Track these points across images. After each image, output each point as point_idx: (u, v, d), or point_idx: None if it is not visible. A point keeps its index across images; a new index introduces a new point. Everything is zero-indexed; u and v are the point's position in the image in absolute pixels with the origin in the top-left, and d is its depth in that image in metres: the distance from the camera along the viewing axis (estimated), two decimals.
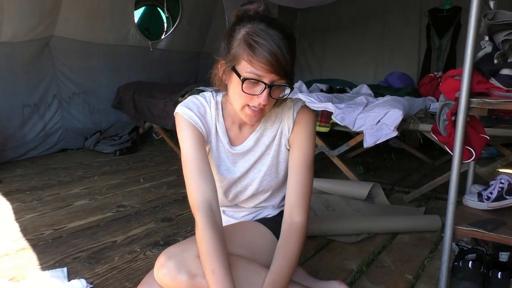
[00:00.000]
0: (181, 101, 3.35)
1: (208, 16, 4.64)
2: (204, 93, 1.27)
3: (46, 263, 1.55)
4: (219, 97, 1.24)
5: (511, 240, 1.30)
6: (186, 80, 4.56)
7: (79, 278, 1.41)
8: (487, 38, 1.52)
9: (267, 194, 1.31)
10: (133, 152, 3.62)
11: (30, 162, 3.13)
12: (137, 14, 4.22)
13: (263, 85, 1.06)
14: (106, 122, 3.82)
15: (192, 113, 1.18)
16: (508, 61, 1.27)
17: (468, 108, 1.33)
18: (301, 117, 1.23)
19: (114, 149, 3.53)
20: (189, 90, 3.35)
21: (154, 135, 4.08)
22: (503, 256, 1.48)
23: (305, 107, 1.25)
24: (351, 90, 3.86)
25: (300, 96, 2.67)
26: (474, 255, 1.46)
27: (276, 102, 1.14)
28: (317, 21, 5.65)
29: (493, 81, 1.33)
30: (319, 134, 2.69)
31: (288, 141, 1.24)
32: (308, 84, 3.85)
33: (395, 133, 2.31)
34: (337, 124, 2.55)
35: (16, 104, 3.11)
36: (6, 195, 2.32)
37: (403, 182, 2.88)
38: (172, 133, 3.77)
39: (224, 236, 1.11)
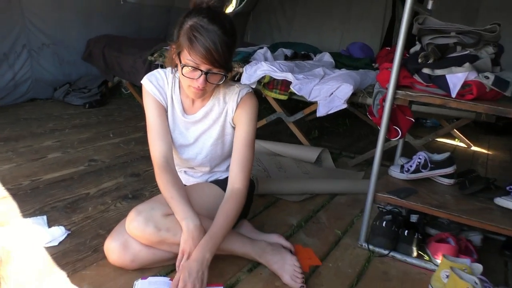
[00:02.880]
0: (150, 59, 3.46)
1: None
2: (167, 68, 1.51)
3: (27, 211, 1.76)
4: (178, 74, 1.48)
5: (418, 206, 1.63)
6: (157, 35, 4.60)
7: (58, 225, 1.64)
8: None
9: (215, 162, 1.58)
10: (102, 105, 3.74)
11: (1, 111, 3.21)
12: None
13: (200, 72, 1.31)
14: (76, 74, 3.89)
15: (152, 86, 1.47)
16: (429, 62, 1.53)
17: (394, 98, 1.60)
18: (244, 103, 1.48)
19: (84, 101, 3.64)
20: (158, 49, 3.45)
21: (123, 89, 4.19)
22: (413, 218, 1.83)
23: (249, 94, 1.50)
24: (315, 55, 4.07)
25: (264, 65, 2.86)
26: (390, 216, 1.78)
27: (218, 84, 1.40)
28: None
29: (416, 77, 1.59)
30: (278, 100, 2.93)
31: (233, 120, 1.50)
32: (275, 48, 4.02)
33: (345, 106, 2.58)
34: (295, 93, 2.79)
35: None
36: None
37: (351, 147, 3.20)
38: (140, 89, 3.89)
39: (180, 180, 1.42)
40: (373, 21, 5.15)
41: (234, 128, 1.51)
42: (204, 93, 1.41)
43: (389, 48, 3.80)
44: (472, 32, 1.52)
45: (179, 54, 1.33)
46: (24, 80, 3.50)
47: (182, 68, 1.33)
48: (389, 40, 4.97)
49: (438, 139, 3.69)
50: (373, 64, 3.42)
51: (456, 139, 3.71)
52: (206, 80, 1.33)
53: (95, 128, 3.05)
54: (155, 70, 1.52)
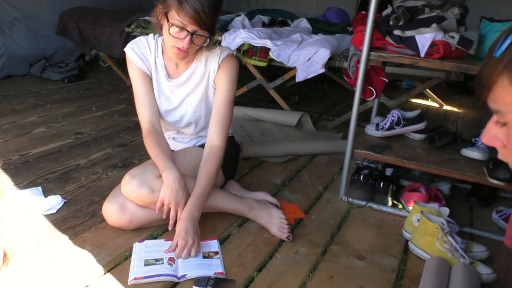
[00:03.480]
0: (127, 31, 3.45)
1: None
2: (148, 35, 1.57)
3: (21, 184, 1.82)
4: (160, 39, 1.55)
5: (391, 159, 1.76)
6: (130, 5, 4.53)
7: (54, 195, 1.71)
8: None
9: (200, 124, 1.66)
10: (81, 79, 3.72)
11: None
12: None
13: (186, 32, 1.38)
14: (51, 49, 3.83)
15: (135, 54, 1.53)
16: (399, 24, 1.62)
17: (368, 59, 1.69)
18: (225, 64, 1.55)
19: (62, 76, 3.62)
20: (135, 19, 3.44)
21: (101, 62, 4.16)
22: (388, 171, 1.97)
23: (230, 55, 1.57)
24: (292, 21, 4.11)
25: (242, 32, 2.90)
26: (367, 171, 1.92)
27: (201, 47, 1.47)
28: None
29: (388, 38, 1.69)
30: (258, 67, 2.99)
31: (214, 81, 1.57)
32: (252, 15, 4.04)
33: (323, 70, 2.68)
34: (274, 60, 2.85)
35: None
36: None
37: (330, 111, 3.32)
38: (119, 61, 3.89)
39: (165, 141, 1.52)
40: None
41: (215, 89, 1.58)
42: (186, 56, 1.47)
43: (364, 12, 3.86)
44: None
45: (166, 14, 1.38)
46: None
47: (169, 28, 1.38)
48: (365, 4, 5.01)
49: (412, 100, 3.84)
50: (348, 28, 3.49)
51: (429, 99, 3.88)
52: (191, 41, 1.39)
53: (76, 103, 3.06)
54: (137, 38, 1.58)
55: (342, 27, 3.86)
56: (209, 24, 1.38)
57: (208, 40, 1.44)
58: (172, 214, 1.42)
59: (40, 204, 1.62)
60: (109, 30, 3.51)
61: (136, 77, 1.54)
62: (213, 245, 1.46)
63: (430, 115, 3.41)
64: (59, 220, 1.55)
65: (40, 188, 1.76)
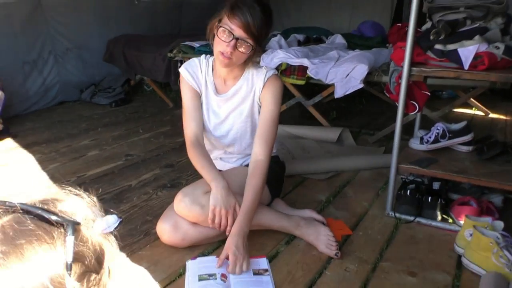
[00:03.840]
0: (170, 55, 3.61)
1: None
2: (201, 56, 1.69)
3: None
4: (211, 58, 1.67)
5: (439, 173, 1.75)
6: (170, 30, 4.73)
7: (111, 214, 1.81)
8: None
9: (245, 140, 1.72)
10: (127, 103, 3.91)
11: (35, 115, 3.41)
12: None
13: (232, 36, 1.45)
14: (99, 75, 4.06)
15: (186, 73, 1.65)
16: (440, 38, 1.63)
17: (410, 75, 1.70)
18: (270, 83, 1.63)
19: (110, 101, 3.82)
20: (176, 45, 3.59)
21: (145, 86, 4.35)
22: (436, 185, 1.94)
23: (275, 75, 1.65)
24: (327, 38, 4.16)
25: (280, 53, 2.97)
26: (413, 185, 1.90)
27: (245, 60, 1.55)
28: None
29: (429, 53, 1.69)
30: (296, 86, 3.04)
31: (259, 99, 1.65)
32: (287, 34, 4.11)
33: (361, 85, 2.69)
34: (312, 77, 2.89)
35: (17, 62, 3.33)
36: (26, 147, 2.66)
37: (369, 125, 3.31)
38: (162, 85, 4.06)
39: (208, 154, 1.61)
40: None
41: (260, 106, 1.66)
42: (230, 64, 1.53)
43: (400, 24, 3.85)
44: (480, 5, 1.61)
45: (218, 22, 1.49)
46: (53, 84, 3.69)
47: (218, 30, 1.47)
48: (399, 15, 4.99)
49: (456, 109, 3.76)
50: (387, 45, 3.47)
51: (474, 108, 3.77)
52: (235, 46, 1.46)
53: (124, 126, 3.22)
54: (191, 59, 1.71)
55: (378, 40, 3.86)
56: (256, 33, 1.45)
57: (252, 49, 1.49)
58: (223, 221, 1.48)
59: (99, 223, 1.72)
60: (152, 55, 3.68)
61: (187, 93, 1.65)
62: (263, 262, 1.50)
63: (476, 124, 3.32)
64: (117, 239, 1.64)
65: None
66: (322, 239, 1.57)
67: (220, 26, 1.46)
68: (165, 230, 1.54)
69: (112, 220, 1.88)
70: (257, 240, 1.61)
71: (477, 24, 1.64)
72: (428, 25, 1.75)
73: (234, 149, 1.76)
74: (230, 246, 1.42)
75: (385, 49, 3.34)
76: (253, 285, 1.37)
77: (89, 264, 0.46)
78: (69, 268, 0.42)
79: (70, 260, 0.42)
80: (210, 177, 1.51)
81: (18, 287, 0.40)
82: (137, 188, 2.12)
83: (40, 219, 0.44)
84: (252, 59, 1.61)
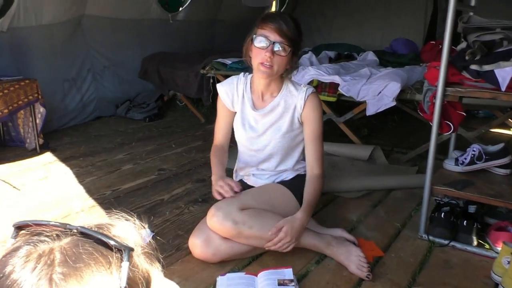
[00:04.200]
0: (202, 72, 3.68)
1: None
2: (240, 74, 1.78)
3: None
4: (249, 76, 1.75)
5: (475, 196, 1.70)
6: (203, 47, 4.85)
7: (144, 228, 1.85)
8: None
9: (280, 156, 1.76)
10: (160, 118, 4.02)
11: (73, 130, 3.55)
12: None
13: (269, 42, 1.53)
14: (134, 91, 4.20)
15: (222, 91, 1.76)
16: (476, 58, 1.60)
17: (444, 95, 1.68)
18: (311, 102, 1.68)
19: (144, 116, 3.93)
20: (209, 62, 3.68)
21: (178, 102, 4.46)
22: (471, 209, 1.88)
23: (314, 93, 1.70)
24: (358, 55, 4.15)
25: (311, 70, 2.99)
26: (448, 208, 1.86)
27: (282, 74, 1.64)
28: None
29: (464, 73, 1.67)
30: (327, 103, 3.04)
31: (301, 116, 1.69)
32: (318, 50, 4.14)
33: (394, 103, 2.67)
34: (343, 94, 2.89)
35: (57, 80, 3.50)
36: (64, 161, 2.77)
37: (402, 143, 3.26)
38: (194, 100, 4.15)
39: (225, 157, 1.80)
40: (414, 15, 5.12)
41: (301, 124, 1.72)
42: (272, 73, 1.58)
43: (434, 42, 3.80)
44: None
45: (252, 40, 1.57)
46: (90, 101, 3.84)
47: (254, 41, 1.55)
48: (433, 32, 4.92)
49: (493, 130, 3.65)
50: (420, 64, 3.42)
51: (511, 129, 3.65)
52: (273, 51, 1.52)
53: (157, 140, 3.31)
54: (230, 77, 1.81)
55: (411, 57, 3.83)
56: (290, 35, 1.53)
57: (290, 52, 1.56)
58: (225, 187, 1.56)
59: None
60: (185, 72, 3.78)
61: (220, 109, 1.80)
62: (288, 273, 1.49)
63: None
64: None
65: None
66: (353, 260, 1.55)
67: (256, 36, 1.55)
68: (197, 244, 1.57)
69: (145, 234, 1.93)
70: (287, 258, 1.61)
71: None
72: (463, 45, 1.73)
73: (268, 166, 1.79)
74: (289, 223, 1.52)
75: (418, 66, 3.31)
76: None
77: None
78: None
79: (124, 285, 0.44)
80: (213, 171, 1.69)
81: None
82: (169, 203, 2.17)
83: (99, 243, 0.47)
84: (289, 73, 1.68)
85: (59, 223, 0.48)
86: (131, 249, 0.46)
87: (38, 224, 0.49)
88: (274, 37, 1.52)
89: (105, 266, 0.44)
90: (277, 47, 1.53)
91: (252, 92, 1.74)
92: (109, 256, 0.45)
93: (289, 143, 1.74)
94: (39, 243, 0.46)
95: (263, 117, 1.72)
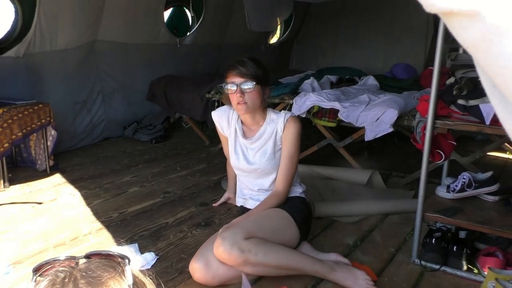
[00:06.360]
0: (208, 96, 3.81)
1: (228, 11, 5.03)
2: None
3: (121, 240, 2.09)
4: None
5: (464, 223, 1.78)
6: (210, 70, 5.01)
7: (149, 251, 1.95)
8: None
9: (272, 176, 1.96)
10: (166, 139, 4.14)
11: (82, 151, 3.68)
12: (166, 14, 4.62)
13: (235, 85, 1.80)
14: (141, 113, 4.34)
15: (216, 118, 2.08)
16: (462, 93, 1.70)
17: (434, 127, 1.78)
18: (289, 125, 1.91)
19: (150, 137, 4.06)
20: (214, 86, 3.81)
21: (183, 124, 4.58)
22: (462, 234, 1.96)
23: (293, 117, 1.93)
24: (359, 78, 4.27)
25: (312, 96, 3.11)
26: (439, 233, 1.93)
27: (261, 103, 1.90)
28: (331, 4, 5.93)
29: (452, 107, 1.77)
30: (327, 127, 3.15)
31: (281, 138, 1.92)
32: (320, 74, 4.26)
33: (391, 129, 2.77)
34: (342, 120, 3.00)
35: (69, 102, 3.64)
36: (73, 183, 2.88)
37: (401, 166, 3.34)
38: (199, 122, 4.27)
39: (234, 173, 2.16)
40: (415, 39, 5.26)
41: (281, 145, 1.94)
42: (248, 107, 1.85)
43: (432, 68, 3.90)
44: None
45: (224, 89, 1.88)
46: (99, 122, 3.98)
47: (226, 90, 1.84)
48: (433, 57, 5.02)
49: (489, 153, 3.72)
50: (419, 90, 3.52)
51: (508, 152, 3.72)
52: (241, 91, 1.79)
53: (163, 162, 3.42)
54: (223, 106, 2.08)
55: (410, 83, 3.93)
56: (251, 73, 1.79)
57: (256, 86, 1.80)
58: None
59: (138, 260, 1.86)
60: (191, 95, 3.91)
61: (219, 133, 2.14)
62: None
63: (510, 171, 3.28)
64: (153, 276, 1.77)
65: (136, 245, 2.02)
66: (362, 284, 1.63)
67: (225, 86, 1.85)
68: (197, 268, 1.65)
69: (150, 258, 2.04)
70: (284, 281, 1.69)
71: None
72: (451, 80, 1.84)
73: (262, 187, 1.98)
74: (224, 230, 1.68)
75: (416, 92, 3.41)
76: None
77: None
78: None
79: (130, 282, 0.56)
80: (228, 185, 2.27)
81: None
82: (173, 226, 2.26)
83: (104, 258, 0.58)
84: (267, 100, 1.93)
85: (69, 256, 0.59)
86: (129, 259, 0.58)
87: (50, 263, 0.59)
88: (239, 80, 1.81)
89: (116, 272, 0.55)
90: (244, 86, 1.81)
91: (243, 123, 2.02)
92: (116, 265, 0.57)
93: (274, 165, 1.94)
94: (58, 273, 0.57)
95: (252, 144, 1.98)
